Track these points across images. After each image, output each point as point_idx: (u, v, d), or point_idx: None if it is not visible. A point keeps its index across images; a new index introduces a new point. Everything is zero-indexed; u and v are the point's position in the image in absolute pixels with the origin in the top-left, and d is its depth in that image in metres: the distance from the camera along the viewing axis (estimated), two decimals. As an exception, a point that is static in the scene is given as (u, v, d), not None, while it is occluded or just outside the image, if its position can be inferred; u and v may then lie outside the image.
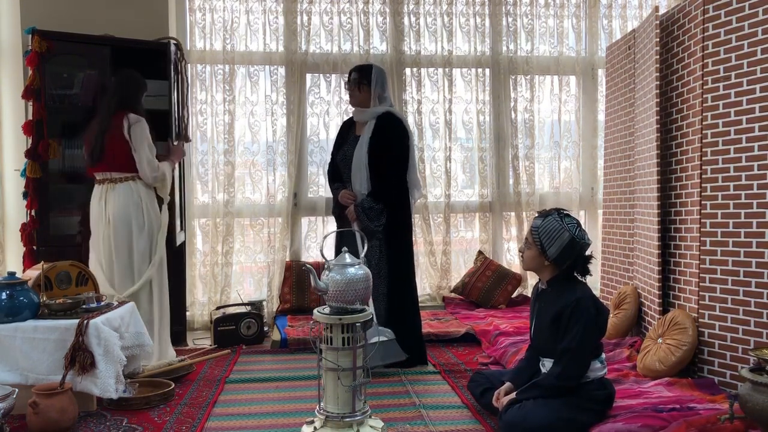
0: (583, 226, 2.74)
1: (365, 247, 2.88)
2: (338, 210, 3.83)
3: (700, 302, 3.32)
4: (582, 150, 5.42)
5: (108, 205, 3.63)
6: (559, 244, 2.64)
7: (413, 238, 4.03)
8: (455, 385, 3.37)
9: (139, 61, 4.18)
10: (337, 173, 3.87)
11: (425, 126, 5.19)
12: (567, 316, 2.61)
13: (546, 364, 2.74)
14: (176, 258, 4.35)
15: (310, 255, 5.13)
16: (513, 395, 2.72)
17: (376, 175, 3.70)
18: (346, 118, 5.05)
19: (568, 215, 2.71)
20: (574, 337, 2.59)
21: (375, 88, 3.78)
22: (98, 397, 3.03)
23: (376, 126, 3.75)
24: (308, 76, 5.08)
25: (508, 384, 2.83)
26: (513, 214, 5.31)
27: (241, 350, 4.17)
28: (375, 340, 3.35)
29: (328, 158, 4.06)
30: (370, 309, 3.47)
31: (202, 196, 4.99)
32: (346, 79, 3.87)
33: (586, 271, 2.73)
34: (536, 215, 2.78)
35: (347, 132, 3.92)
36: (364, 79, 3.77)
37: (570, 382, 2.62)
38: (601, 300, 2.89)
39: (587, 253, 2.72)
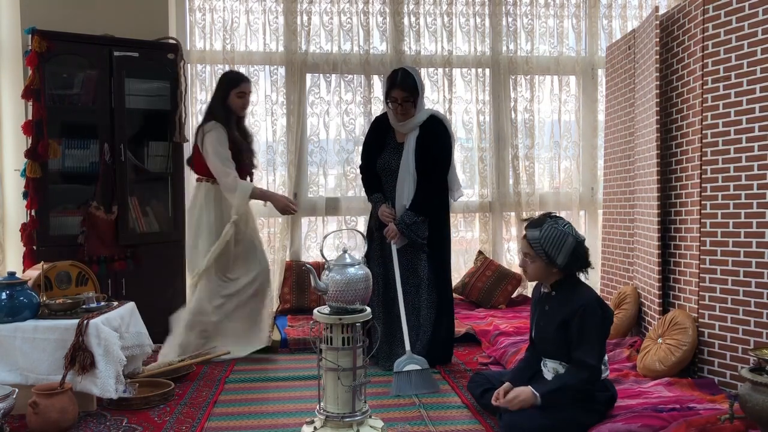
0: (572, 224, 2.71)
1: (366, 247, 2.87)
2: (377, 223, 3.67)
3: (700, 302, 3.31)
4: (582, 150, 5.42)
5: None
6: (567, 251, 2.58)
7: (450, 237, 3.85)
8: (455, 385, 3.37)
9: (139, 62, 4.19)
10: (375, 180, 3.73)
11: (425, 126, 5.19)
12: (576, 324, 2.58)
13: (549, 365, 2.73)
14: (176, 258, 4.36)
15: (310, 255, 5.12)
16: (538, 399, 2.58)
17: (418, 187, 3.57)
18: (346, 117, 5.08)
19: (558, 217, 2.66)
20: (591, 349, 2.55)
21: (421, 99, 3.62)
22: (98, 397, 3.03)
23: (421, 134, 3.59)
24: (308, 76, 5.08)
25: (507, 384, 2.81)
26: (513, 214, 5.31)
27: (241, 350, 4.16)
28: (409, 368, 3.32)
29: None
30: (404, 326, 3.44)
31: (202, 196, 4.98)
32: (388, 96, 3.56)
33: (588, 266, 2.70)
34: (527, 227, 2.68)
35: (384, 136, 3.72)
36: (414, 95, 3.55)
37: (592, 386, 2.61)
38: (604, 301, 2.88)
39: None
